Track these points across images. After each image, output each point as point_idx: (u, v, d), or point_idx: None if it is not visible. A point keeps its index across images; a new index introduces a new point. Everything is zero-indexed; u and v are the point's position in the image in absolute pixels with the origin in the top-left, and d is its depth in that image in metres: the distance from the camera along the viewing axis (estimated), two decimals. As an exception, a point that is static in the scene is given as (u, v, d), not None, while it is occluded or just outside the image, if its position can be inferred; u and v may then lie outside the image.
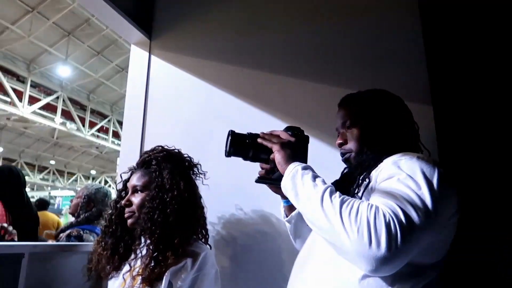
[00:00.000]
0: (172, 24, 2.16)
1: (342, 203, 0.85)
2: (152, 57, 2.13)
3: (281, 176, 1.03)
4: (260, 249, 1.67)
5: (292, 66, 1.85)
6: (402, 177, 0.88)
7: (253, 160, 1.14)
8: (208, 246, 1.39)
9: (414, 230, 0.80)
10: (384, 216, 0.79)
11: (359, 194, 0.98)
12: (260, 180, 1.17)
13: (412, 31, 1.67)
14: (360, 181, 1.01)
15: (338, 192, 0.90)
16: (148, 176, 1.36)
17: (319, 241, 1.01)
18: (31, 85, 15.59)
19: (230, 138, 1.11)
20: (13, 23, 12.79)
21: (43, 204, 4.53)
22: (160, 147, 1.45)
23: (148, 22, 2.18)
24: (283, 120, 1.76)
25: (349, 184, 1.05)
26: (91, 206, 2.36)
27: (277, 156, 1.05)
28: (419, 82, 1.59)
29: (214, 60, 2.00)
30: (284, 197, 1.23)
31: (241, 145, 1.11)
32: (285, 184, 0.99)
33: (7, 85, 14.45)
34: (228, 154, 1.12)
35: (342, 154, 1.14)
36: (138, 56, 2.17)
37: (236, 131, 1.13)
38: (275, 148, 1.07)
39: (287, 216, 1.27)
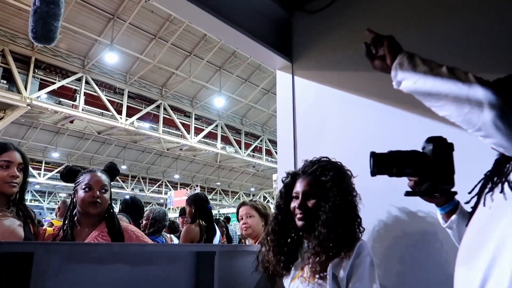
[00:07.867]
0: (309, 45, 2.35)
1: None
2: (295, 77, 2.36)
3: (429, 187, 1.05)
4: (420, 247, 1.68)
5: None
6: None
7: (398, 175, 1.19)
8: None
9: None
10: None
11: None
12: (409, 193, 1.21)
13: None
14: None
15: None
16: (315, 181, 1.47)
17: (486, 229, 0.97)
18: (195, 118, 18.12)
19: (372, 159, 1.19)
20: (176, 68, 15.22)
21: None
22: (323, 157, 1.58)
23: (288, 47, 2.42)
24: (430, 119, 1.72)
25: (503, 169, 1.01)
26: (154, 223, 3.34)
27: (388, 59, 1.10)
28: None
29: (352, 71, 2.09)
30: (439, 204, 1.24)
31: (384, 164, 1.19)
32: (400, 62, 1.05)
33: (177, 121, 17.12)
34: (373, 173, 1.20)
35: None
36: (283, 79, 2.43)
37: (379, 147, 1.21)
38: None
39: (446, 223, 1.25)
